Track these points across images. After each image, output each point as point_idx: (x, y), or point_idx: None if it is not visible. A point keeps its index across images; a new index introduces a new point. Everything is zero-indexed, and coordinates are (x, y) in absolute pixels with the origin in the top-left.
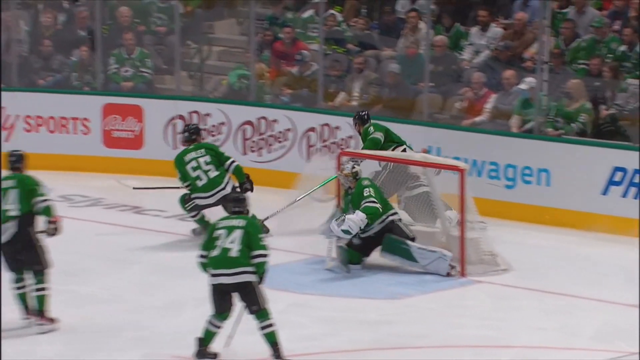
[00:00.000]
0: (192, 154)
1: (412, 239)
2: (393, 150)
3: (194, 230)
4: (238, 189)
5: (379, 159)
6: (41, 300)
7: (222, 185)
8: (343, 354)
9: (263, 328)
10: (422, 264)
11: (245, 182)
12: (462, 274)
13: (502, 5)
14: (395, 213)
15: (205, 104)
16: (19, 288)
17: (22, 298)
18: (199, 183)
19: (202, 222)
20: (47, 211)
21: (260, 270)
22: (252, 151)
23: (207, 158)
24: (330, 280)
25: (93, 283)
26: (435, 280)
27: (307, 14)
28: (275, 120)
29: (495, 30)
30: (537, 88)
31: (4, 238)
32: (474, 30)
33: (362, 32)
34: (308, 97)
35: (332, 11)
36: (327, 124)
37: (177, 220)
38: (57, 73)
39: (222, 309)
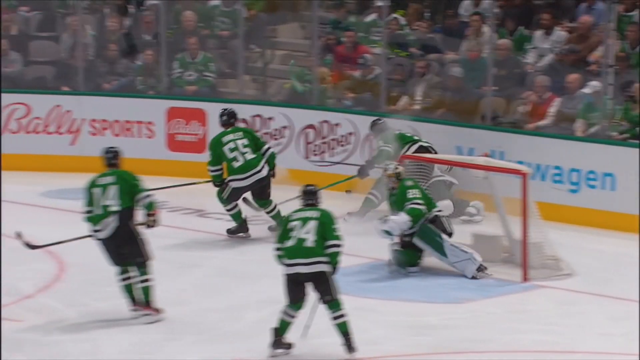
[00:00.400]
0: (230, 136)
1: (450, 234)
2: (409, 149)
3: (228, 230)
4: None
5: (443, 162)
6: (146, 291)
7: (258, 168)
8: (404, 358)
9: (335, 318)
10: (450, 260)
11: (273, 168)
12: (525, 278)
13: (567, 9)
14: (441, 210)
15: (268, 108)
16: (123, 280)
17: (128, 290)
18: (235, 164)
19: (238, 218)
20: (151, 206)
21: (333, 260)
22: (315, 154)
23: (245, 141)
24: (392, 284)
25: (156, 286)
26: (498, 284)
27: (370, 17)
28: (337, 124)
29: (560, 33)
30: (602, 92)
31: (107, 233)
32: (538, 33)
33: (425, 36)
34: (370, 101)
35: (395, 15)
36: None
37: None
38: (122, 77)
39: (296, 298)
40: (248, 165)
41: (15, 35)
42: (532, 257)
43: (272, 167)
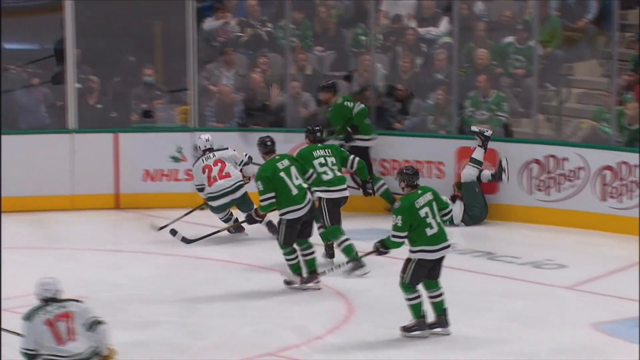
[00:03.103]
0: (321, 152)
1: None
2: None
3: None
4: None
5: None
6: (314, 261)
7: (345, 186)
8: None
9: (437, 297)
10: None
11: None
12: None
13: None
14: None
15: (563, 148)
16: (295, 258)
17: (299, 266)
18: (325, 177)
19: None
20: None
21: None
22: (612, 197)
23: (334, 159)
24: None
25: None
26: None
27: None
28: (636, 165)
29: None
30: None
31: (307, 208)
32: None
33: None
34: None
35: None
36: None
37: (531, 267)
38: (413, 116)
39: (420, 281)
40: (338, 180)
41: (309, 75)
42: None
43: (365, 178)
